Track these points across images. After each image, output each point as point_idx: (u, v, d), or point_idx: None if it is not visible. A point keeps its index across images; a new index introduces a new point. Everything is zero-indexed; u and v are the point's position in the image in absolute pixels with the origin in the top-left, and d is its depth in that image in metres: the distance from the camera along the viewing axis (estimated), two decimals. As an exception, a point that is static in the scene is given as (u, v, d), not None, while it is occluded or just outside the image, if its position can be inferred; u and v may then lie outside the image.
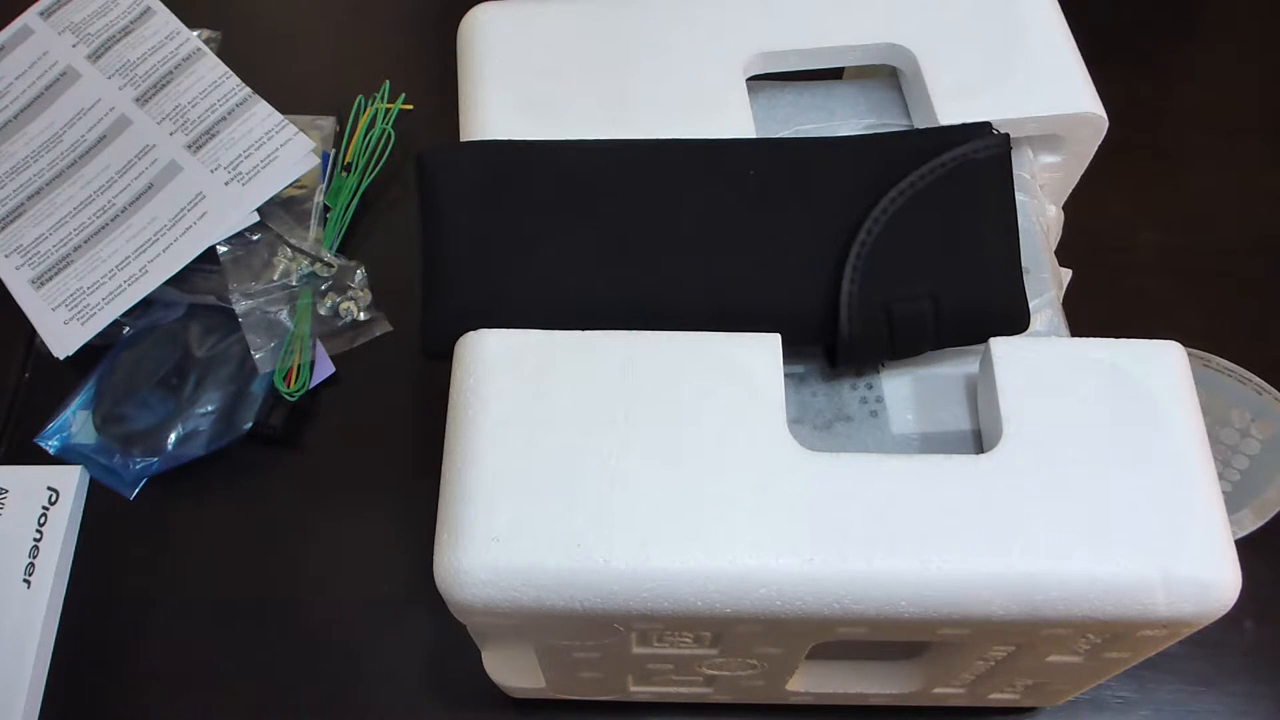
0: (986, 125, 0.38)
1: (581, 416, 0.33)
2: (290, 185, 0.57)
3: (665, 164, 0.38)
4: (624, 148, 0.38)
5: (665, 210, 0.37)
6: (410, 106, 0.62)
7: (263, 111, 0.59)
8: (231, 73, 0.60)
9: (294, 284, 0.56)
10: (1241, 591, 0.32)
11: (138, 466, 0.52)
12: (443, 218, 0.37)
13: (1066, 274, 0.45)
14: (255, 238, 0.56)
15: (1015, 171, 0.40)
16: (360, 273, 0.57)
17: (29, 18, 0.63)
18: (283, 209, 0.58)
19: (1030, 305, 0.37)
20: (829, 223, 0.36)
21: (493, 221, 0.37)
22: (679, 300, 0.36)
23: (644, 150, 0.38)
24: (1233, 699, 0.47)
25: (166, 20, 0.62)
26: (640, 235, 0.37)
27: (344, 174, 0.60)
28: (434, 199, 0.38)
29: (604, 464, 0.33)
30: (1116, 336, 0.35)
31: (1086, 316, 0.40)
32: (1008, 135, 0.37)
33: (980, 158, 0.37)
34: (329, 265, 0.56)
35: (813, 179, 0.37)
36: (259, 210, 0.56)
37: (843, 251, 0.36)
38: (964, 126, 0.38)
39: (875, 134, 0.39)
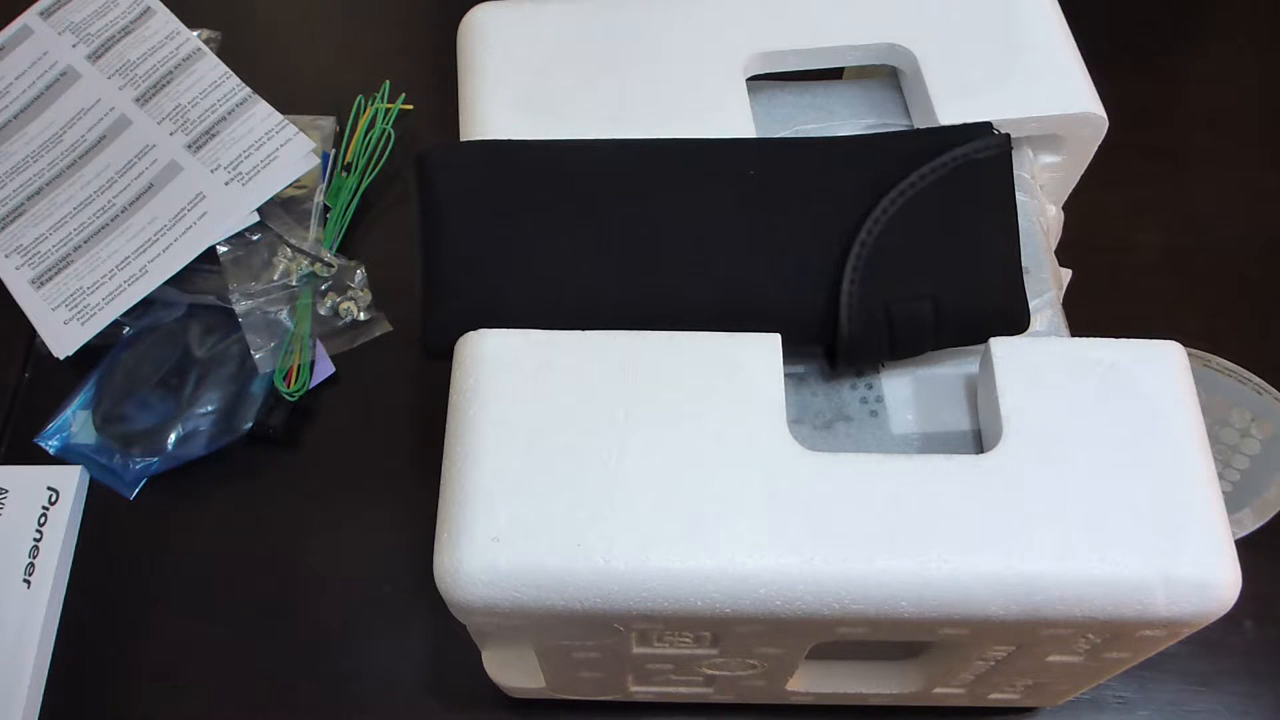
0: (987, 125, 0.38)
1: (581, 416, 0.33)
2: (290, 185, 0.57)
3: (665, 164, 0.38)
4: (624, 148, 0.38)
5: (665, 210, 0.37)
6: (410, 106, 0.62)
7: (263, 111, 0.59)
8: (231, 73, 0.60)
9: (294, 284, 0.56)
10: (1241, 591, 0.32)
11: (138, 466, 0.52)
12: (443, 217, 0.37)
13: (1066, 274, 0.45)
14: (255, 238, 0.56)
15: (1015, 171, 0.40)
16: (360, 273, 0.57)
17: (29, 18, 0.63)
18: (283, 209, 0.58)
19: (1030, 305, 0.37)
20: (829, 223, 0.36)
21: (492, 221, 0.37)
22: (679, 300, 0.36)
23: (644, 150, 0.38)
24: (1233, 699, 0.47)
25: (166, 20, 0.62)
26: (640, 235, 0.37)
27: (344, 174, 0.60)
28: (434, 199, 0.38)
29: (604, 464, 0.33)
30: (1116, 336, 0.35)
31: (1086, 316, 0.40)
32: (1008, 135, 0.37)
33: (981, 158, 0.37)
34: (329, 265, 0.56)
35: (813, 179, 0.37)
36: (259, 210, 0.56)
37: (843, 252, 0.36)
38: (965, 126, 0.38)
39: (876, 134, 0.39)
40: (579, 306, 0.36)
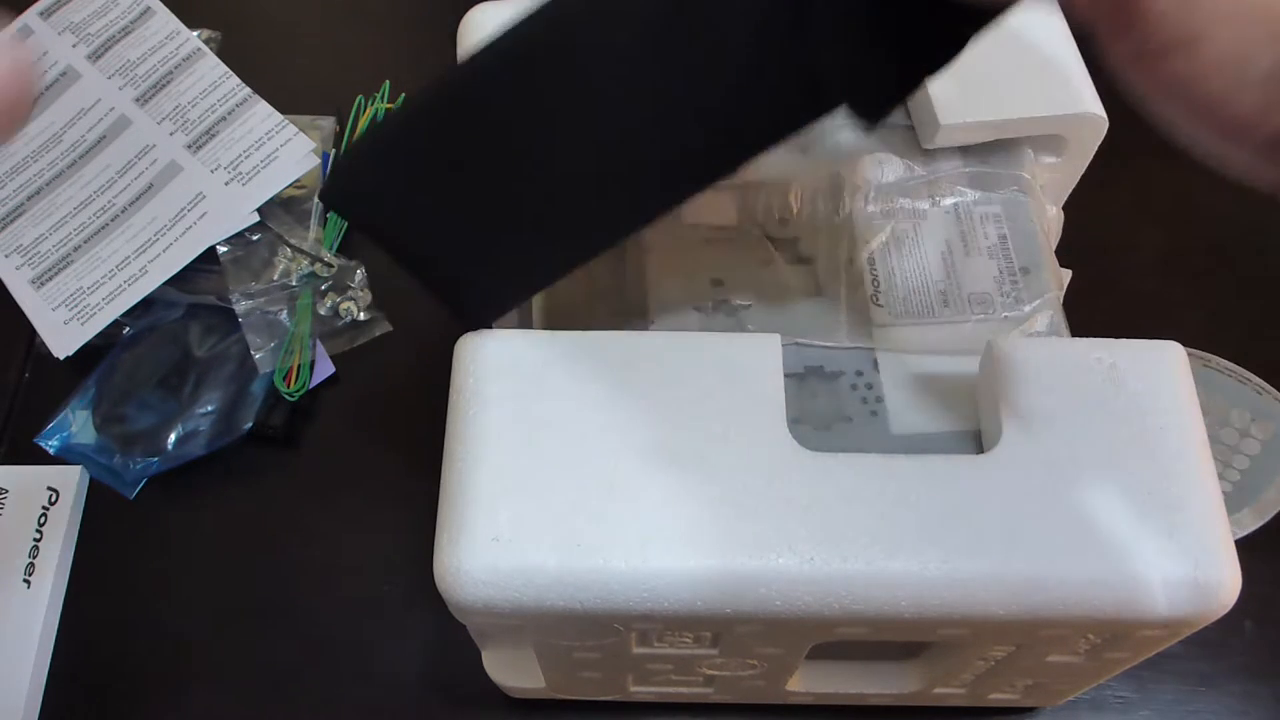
0: None
1: (581, 417, 0.33)
2: (290, 185, 0.57)
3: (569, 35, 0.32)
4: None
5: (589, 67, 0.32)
6: (410, 106, 0.62)
7: (263, 111, 0.59)
8: (231, 73, 0.60)
9: (294, 284, 0.56)
10: (1241, 591, 0.32)
11: (138, 466, 0.52)
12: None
13: (1066, 274, 0.45)
14: (255, 238, 0.56)
15: (1015, 171, 0.40)
16: (360, 273, 0.57)
17: (29, 18, 0.63)
18: (283, 209, 0.57)
19: (1030, 306, 0.37)
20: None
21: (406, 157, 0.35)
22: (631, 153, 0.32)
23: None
24: (1233, 699, 0.47)
25: (166, 20, 0.62)
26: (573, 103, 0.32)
27: (344, 174, 0.60)
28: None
29: (604, 464, 0.33)
30: (1116, 336, 0.35)
31: (1086, 316, 0.40)
32: None
33: None
34: (329, 265, 0.56)
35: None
36: (259, 210, 0.56)
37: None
38: None
39: None
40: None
